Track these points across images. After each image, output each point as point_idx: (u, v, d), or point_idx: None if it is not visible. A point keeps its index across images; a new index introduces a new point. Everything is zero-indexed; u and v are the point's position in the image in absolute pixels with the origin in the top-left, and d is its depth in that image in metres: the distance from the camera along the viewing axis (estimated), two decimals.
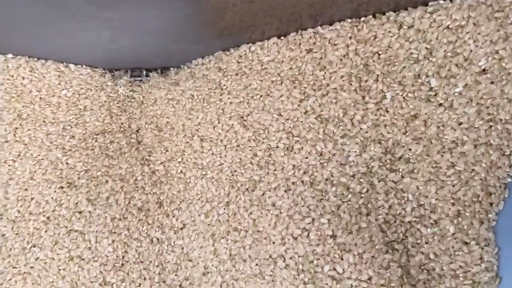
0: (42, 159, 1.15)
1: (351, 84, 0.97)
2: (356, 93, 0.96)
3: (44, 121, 1.18)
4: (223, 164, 1.08)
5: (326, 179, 0.96)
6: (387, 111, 0.94)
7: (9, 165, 1.13)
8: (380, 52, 0.95)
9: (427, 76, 0.91)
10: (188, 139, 1.14)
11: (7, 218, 1.10)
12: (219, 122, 1.10)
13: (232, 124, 1.08)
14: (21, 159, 1.14)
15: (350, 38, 0.98)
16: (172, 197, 1.12)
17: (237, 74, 1.10)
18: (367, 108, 0.95)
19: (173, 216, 1.10)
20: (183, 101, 1.17)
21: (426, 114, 0.91)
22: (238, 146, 1.07)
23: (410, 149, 0.92)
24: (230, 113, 1.09)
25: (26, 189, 1.12)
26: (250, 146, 1.05)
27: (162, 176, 1.15)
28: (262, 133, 1.04)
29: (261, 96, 1.06)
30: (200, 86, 1.15)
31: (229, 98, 1.10)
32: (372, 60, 0.96)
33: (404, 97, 0.93)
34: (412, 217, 0.92)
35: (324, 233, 0.94)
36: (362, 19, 0.98)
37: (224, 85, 1.12)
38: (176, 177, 1.13)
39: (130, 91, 1.27)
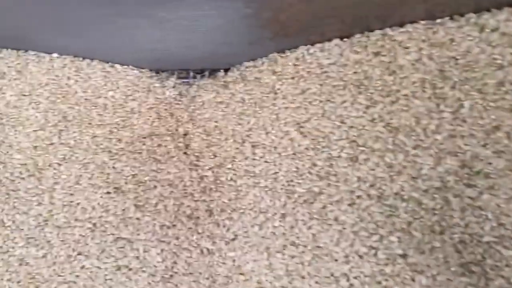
0: (88, 162, 1.07)
1: (424, 91, 0.87)
2: (430, 100, 0.86)
3: (90, 123, 1.10)
4: (277, 172, 0.99)
5: (396, 194, 0.87)
6: (465, 121, 0.84)
7: (54, 169, 1.06)
8: (457, 57, 0.86)
9: None
10: (239, 145, 1.05)
11: (53, 224, 1.03)
12: (272, 128, 1.01)
13: (288, 131, 0.99)
14: (66, 163, 1.06)
15: (424, 41, 0.88)
16: (222, 205, 1.04)
17: (293, 78, 1.01)
18: (442, 117, 0.85)
19: (224, 226, 1.02)
20: (233, 104, 1.08)
21: (509, 125, 0.81)
22: (294, 154, 0.98)
23: (490, 163, 0.82)
24: (285, 119, 1.00)
25: (72, 194, 1.05)
26: (308, 155, 0.96)
27: (211, 183, 1.07)
28: (322, 141, 0.95)
29: (320, 101, 0.97)
30: (252, 90, 1.06)
31: (284, 103, 1.01)
32: (448, 65, 0.86)
33: (484, 107, 0.83)
34: (491, 237, 0.81)
35: (393, 252, 0.85)
36: (438, 21, 0.88)
37: (278, 89, 1.03)
38: (226, 185, 1.05)
39: (177, 93, 1.18)
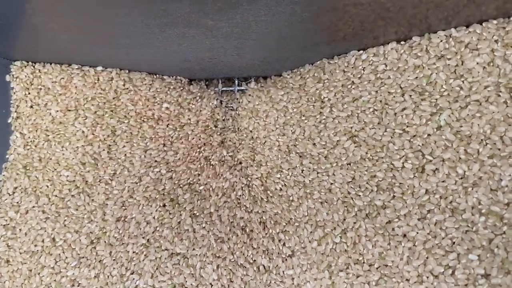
0: (142, 176, 0.89)
1: (499, 96, 0.67)
2: (507, 106, 0.66)
3: (142, 137, 0.91)
4: (333, 184, 0.80)
5: (473, 207, 0.67)
6: None
7: (105, 184, 0.88)
8: None
9: None
10: (285, 155, 0.86)
11: (105, 242, 0.85)
12: (320, 139, 0.82)
13: (339, 140, 0.80)
14: (118, 178, 0.88)
15: (496, 41, 0.68)
16: (275, 217, 0.85)
17: (343, 86, 0.82)
18: None
19: (280, 241, 0.83)
20: (275, 114, 0.89)
21: None
22: (349, 164, 0.79)
23: None
24: (334, 128, 0.81)
25: (125, 209, 0.87)
26: (365, 166, 0.77)
27: (261, 193, 0.88)
28: (380, 151, 0.76)
29: (375, 110, 0.78)
30: (296, 98, 0.87)
31: (332, 111, 0.82)
32: None
33: None
34: None
35: (473, 272, 0.65)
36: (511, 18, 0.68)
37: (325, 97, 0.84)
38: (276, 195, 0.86)
39: (223, 102, 1.00)
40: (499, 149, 0.66)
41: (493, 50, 0.68)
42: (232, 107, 0.99)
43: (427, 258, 0.68)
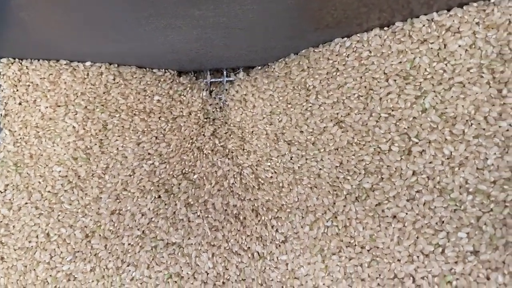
0: (135, 168, 0.86)
1: (482, 77, 0.66)
2: (490, 86, 0.65)
3: (133, 130, 0.88)
4: (321, 169, 0.78)
5: (460, 187, 0.66)
6: None
7: (98, 178, 0.85)
8: None
9: None
10: (274, 143, 0.84)
11: (100, 235, 0.83)
12: (307, 125, 0.80)
13: (326, 127, 0.78)
14: (111, 171, 0.85)
15: (478, 24, 0.67)
16: (267, 204, 0.83)
17: (328, 73, 0.80)
18: (505, 103, 0.64)
19: (273, 227, 0.81)
20: (262, 103, 0.87)
21: None
22: (336, 149, 0.77)
23: None
24: (320, 115, 0.79)
25: (119, 202, 0.84)
26: (352, 150, 0.75)
27: (253, 181, 0.86)
28: (366, 135, 0.74)
29: (360, 95, 0.76)
30: (282, 88, 0.85)
31: (318, 99, 0.80)
32: (508, 48, 0.65)
33: None
34: None
35: (463, 250, 0.64)
36: (492, 0, 0.66)
37: (310, 85, 0.82)
38: (267, 182, 0.84)
39: (212, 93, 0.97)
40: (483, 129, 0.65)
41: (474, 33, 0.67)
42: (221, 97, 0.97)
43: (417, 238, 0.67)
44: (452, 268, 0.64)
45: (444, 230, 0.65)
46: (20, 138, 0.88)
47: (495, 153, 0.64)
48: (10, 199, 0.85)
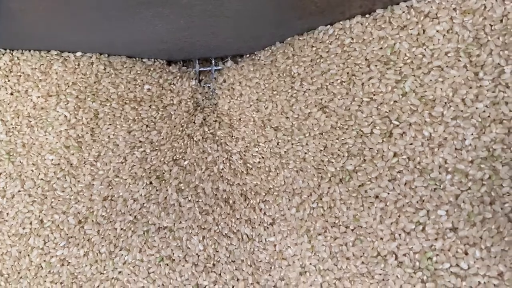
0: (127, 155, 0.86)
1: (459, 60, 0.67)
2: (467, 69, 0.66)
3: (124, 118, 0.88)
4: (306, 153, 0.79)
5: (440, 167, 0.67)
6: (508, 87, 0.64)
7: (90, 166, 0.85)
8: (492, 23, 0.65)
9: None
10: (261, 129, 0.85)
11: (93, 221, 0.83)
12: (293, 112, 0.81)
13: (310, 112, 0.79)
14: (103, 159, 0.85)
15: (455, 9, 0.67)
16: (255, 188, 0.84)
17: (312, 60, 0.80)
18: (481, 86, 0.65)
19: (261, 210, 0.82)
20: (248, 91, 0.87)
21: None
22: (321, 134, 0.78)
23: None
24: (305, 101, 0.80)
25: (111, 188, 0.85)
26: (336, 134, 0.76)
27: (241, 166, 0.86)
28: (349, 119, 0.75)
29: (343, 81, 0.76)
30: (267, 75, 0.85)
31: (302, 85, 0.80)
32: (483, 32, 0.66)
33: None
34: None
35: (442, 226, 0.65)
36: None
37: (295, 72, 0.82)
38: (255, 167, 0.85)
39: (201, 82, 0.97)
40: (461, 111, 0.66)
41: (452, 18, 0.67)
42: (210, 86, 0.97)
43: (398, 216, 0.68)
44: (432, 245, 0.65)
45: (424, 209, 0.66)
46: (13, 127, 0.87)
47: (472, 134, 0.65)
48: (3, 187, 0.85)
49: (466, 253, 0.63)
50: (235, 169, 0.87)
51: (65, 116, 0.87)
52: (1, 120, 0.87)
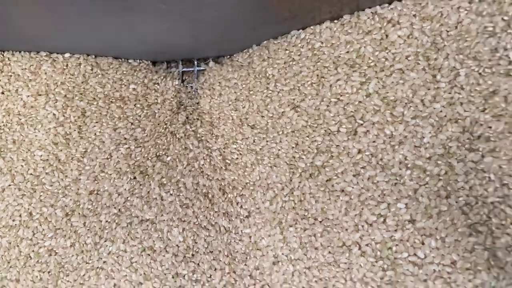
0: (113, 152, 0.89)
1: (418, 63, 0.70)
2: (426, 72, 0.70)
3: (110, 117, 0.91)
4: (280, 150, 0.82)
5: (400, 163, 0.70)
6: (463, 89, 0.68)
7: (78, 161, 0.88)
8: (448, 29, 0.69)
9: (506, 49, 0.65)
10: (238, 127, 0.88)
11: (79, 214, 0.86)
12: (268, 111, 0.84)
13: (284, 111, 0.82)
14: (89, 155, 0.88)
15: (414, 16, 0.71)
16: (233, 183, 0.87)
17: (285, 63, 0.84)
18: (438, 87, 0.69)
19: (237, 204, 0.85)
20: (227, 91, 0.90)
21: (506, 89, 0.65)
22: (293, 132, 0.81)
23: (490, 127, 0.66)
24: (279, 101, 0.83)
25: (97, 183, 0.87)
26: (306, 132, 0.79)
27: (220, 162, 0.89)
28: (318, 118, 0.78)
29: (313, 83, 0.80)
30: (245, 76, 0.89)
31: (276, 86, 0.84)
32: (440, 37, 0.69)
33: (480, 73, 0.67)
34: (495, 198, 0.66)
35: (402, 218, 0.69)
36: None
37: (270, 74, 0.85)
38: (233, 163, 0.88)
39: (184, 82, 1.00)
40: (420, 111, 0.70)
41: (412, 24, 0.71)
42: (192, 86, 1.00)
43: (362, 209, 0.71)
44: (392, 236, 0.69)
45: (385, 202, 0.70)
46: (3, 125, 0.90)
47: (430, 132, 0.69)
48: None
49: (423, 243, 0.67)
50: (214, 165, 0.90)
51: (54, 114, 0.89)
52: None
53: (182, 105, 0.98)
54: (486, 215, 0.66)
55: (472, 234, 0.65)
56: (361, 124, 0.73)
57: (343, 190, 0.74)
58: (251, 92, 0.87)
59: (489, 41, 0.66)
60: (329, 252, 0.73)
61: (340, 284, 0.72)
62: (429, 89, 0.69)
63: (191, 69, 1.01)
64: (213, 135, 0.92)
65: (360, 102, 0.74)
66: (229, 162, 0.89)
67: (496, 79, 0.65)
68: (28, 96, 0.90)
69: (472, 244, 0.65)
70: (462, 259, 0.65)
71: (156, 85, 0.97)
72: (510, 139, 0.65)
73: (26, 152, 0.88)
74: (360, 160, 0.73)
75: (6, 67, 0.91)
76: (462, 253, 0.65)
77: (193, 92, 0.99)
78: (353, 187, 0.73)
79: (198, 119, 0.95)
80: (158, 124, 0.94)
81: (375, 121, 0.72)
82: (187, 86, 1.00)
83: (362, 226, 0.71)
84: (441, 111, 0.68)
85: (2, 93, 0.90)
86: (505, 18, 0.64)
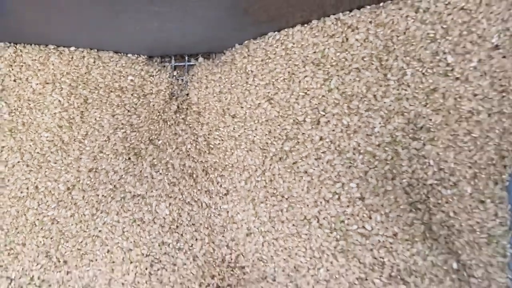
0: (110, 135, 0.99)
1: (372, 64, 0.80)
2: (378, 71, 0.79)
3: (109, 104, 1.01)
4: (255, 136, 0.92)
5: (354, 149, 0.80)
6: (409, 86, 0.77)
7: (79, 143, 0.98)
8: (398, 35, 0.78)
9: (444, 53, 0.75)
10: (221, 116, 0.98)
11: (79, 188, 0.96)
12: (246, 102, 0.94)
13: (260, 103, 0.92)
14: (89, 137, 0.98)
15: (370, 22, 0.81)
16: (214, 165, 0.97)
17: (262, 60, 0.93)
18: (388, 85, 0.79)
19: (218, 183, 0.95)
20: (213, 84, 1.00)
21: (444, 87, 0.75)
22: (267, 121, 0.91)
23: (430, 119, 0.76)
24: (256, 94, 0.93)
25: (96, 162, 0.97)
26: (278, 121, 0.89)
27: (204, 147, 0.99)
28: (288, 110, 0.88)
29: (285, 78, 0.89)
30: (228, 71, 0.98)
31: (254, 81, 0.93)
32: (391, 41, 0.79)
33: (423, 73, 0.77)
34: (433, 180, 0.76)
35: (353, 196, 0.78)
36: (381, 4, 0.80)
37: (249, 70, 0.95)
38: (216, 148, 0.98)
39: (176, 75, 1.10)
40: (373, 104, 0.79)
41: (368, 29, 0.80)
42: (183, 79, 1.10)
43: (321, 188, 0.81)
44: (344, 210, 0.79)
45: (340, 182, 0.80)
46: (15, 109, 1.00)
47: (380, 123, 0.78)
48: (5, 158, 0.98)
49: (370, 218, 0.77)
50: (199, 149, 1.00)
51: (59, 100, 1.00)
52: (5, 103, 1.01)
53: (173, 95, 1.08)
54: (425, 195, 0.76)
55: (412, 211, 0.75)
56: (323, 115, 0.83)
57: (306, 172, 0.84)
58: (232, 86, 0.97)
59: (431, 45, 0.75)
60: (293, 225, 0.83)
61: (301, 252, 0.82)
62: (380, 86, 0.79)
63: (182, 63, 1.11)
64: (199, 123, 1.02)
65: (323, 96, 0.84)
66: (212, 146, 0.99)
67: (436, 78, 0.75)
68: (37, 84, 1.00)
69: (412, 219, 0.75)
70: (402, 232, 0.74)
71: (151, 77, 1.06)
72: (446, 130, 0.75)
73: (34, 133, 0.99)
74: (321, 146, 0.83)
75: (18, 57, 1.01)
76: (403, 227, 0.74)
77: (184, 85, 1.09)
78: (314, 169, 0.83)
79: (187, 108, 1.05)
80: (152, 112, 1.04)
81: (334, 112, 0.82)
82: (178, 79, 1.10)
83: (320, 202, 0.81)
84: (390, 105, 0.78)
85: (14, 81, 1.01)
86: (444, 26, 0.74)
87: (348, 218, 0.78)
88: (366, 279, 0.76)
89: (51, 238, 0.94)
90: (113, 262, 0.92)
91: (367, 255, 0.76)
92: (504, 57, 0.71)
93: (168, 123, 1.04)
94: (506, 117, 0.71)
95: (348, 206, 0.79)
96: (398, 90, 0.78)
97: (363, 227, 0.77)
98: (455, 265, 0.73)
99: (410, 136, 0.77)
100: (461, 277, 0.73)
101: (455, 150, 0.74)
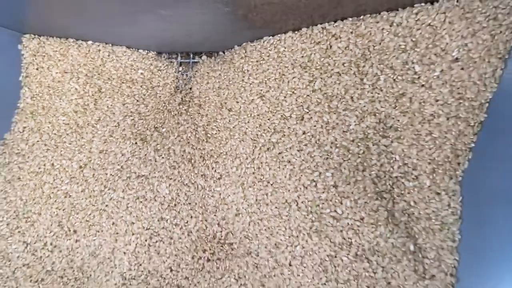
0: (120, 121, 1.10)
1: (351, 69, 0.90)
2: (356, 76, 0.89)
3: (121, 94, 1.12)
4: (247, 128, 1.02)
5: (331, 143, 0.90)
6: (381, 90, 0.87)
7: (92, 127, 1.09)
8: (374, 45, 0.88)
9: (413, 63, 0.84)
10: (219, 109, 1.08)
11: (90, 167, 1.07)
12: (241, 98, 1.04)
13: (253, 99, 1.02)
14: (101, 122, 1.09)
15: (351, 33, 0.90)
16: (210, 152, 1.07)
17: (257, 61, 1.03)
18: (364, 88, 0.88)
19: (212, 168, 1.05)
20: (213, 80, 1.10)
21: (411, 92, 0.84)
22: (258, 115, 1.00)
23: (398, 120, 0.86)
24: (250, 91, 1.02)
25: (106, 144, 1.08)
26: (267, 116, 0.99)
27: (203, 136, 1.09)
28: (277, 106, 0.98)
29: (276, 78, 0.99)
30: (227, 70, 1.09)
31: (249, 79, 1.03)
32: (368, 50, 0.88)
33: (394, 79, 0.86)
34: (398, 173, 0.86)
35: (328, 184, 0.88)
36: (361, 17, 0.90)
37: (245, 69, 1.05)
38: (212, 137, 1.08)
39: (181, 71, 1.20)
40: (350, 105, 0.89)
41: (349, 39, 0.90)
42: (187, 74, 1.20)
43: (301, 176, 0.91)
44: (320, 196, 0.88)
45: (317, 171, 0.90)
46: (36, 94, 1.11)
47: (355, 121, 0.88)
48: (26, 138, 1.09)
49: (341, 203, 0.86)
50: (198, 137, 1.10)
51: (76, 88, 1.10)
52: (28, 88, 1.11)
53: (178, 89, 1.18)
54: (390, 186, 0.86)
55: (378, 199, 0.85)
56: (307, 112, 0.93)
57: (289, 161, 0.94)
58: (230, 82, 1.07)
59: (402, 55, 0.85)
60: (275, 207, 0.93)
61: (281, 231, 0.92)
62: (357, 89, 0.88)
63: (187, 60, 1.21)
64: (199, 114, 1.12)
65: (307, 95, 0.94)
66: (209, 136, 1.09)
67: (404, 85, 0.85)
68: (57, 72, 1.11)
69: (377, 206, 0.85)
70: (368, 216, 0.84)
71: (159, 72, 1.17)
72: (411, 130, 0.84)
73: (52, 116, 1.09)
74: (304, 139, 0.93)
75: (41, 48, 1.12)
76: (369, 212, 0.84)
77: (188, 79, 1.19)
78: (296, 159, 0.93)
79: (189, 101, 1.15)
80: (158, 103, 1.15)
81: (316, 110, 0.92)
82: (183, 74, 1.20)
83: (300, 188, 0.91)
84: (364, 106, 0.88)
85: (37, 69, 1.12)
86: (413, 39, 0.83)
87: (323, 203, 0.88)
88: (336, 256, 0.86)
89: (64, 210, 1.05)
90: (117, 233, 1.03)
91: (337, 236, 0.86)
92: (462, 68, 0.80)
93: (172, 113, 1.14)
94: (461, 121, 0.81)
95: (323, 192, 0.88)
96: (372, 93, 0.87)
97: (335, 211, 0.87)
98: (412, 247, 0.83)
99: (380, 134, 0.87)
100: (417, 258, 0.83)
101: (417, 148, 0.84)
